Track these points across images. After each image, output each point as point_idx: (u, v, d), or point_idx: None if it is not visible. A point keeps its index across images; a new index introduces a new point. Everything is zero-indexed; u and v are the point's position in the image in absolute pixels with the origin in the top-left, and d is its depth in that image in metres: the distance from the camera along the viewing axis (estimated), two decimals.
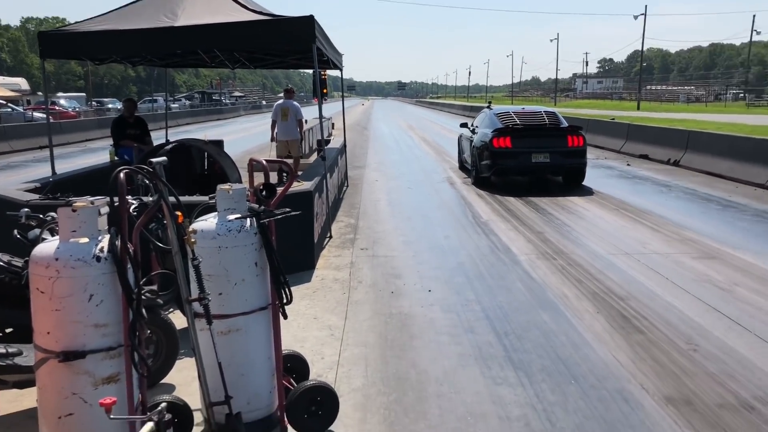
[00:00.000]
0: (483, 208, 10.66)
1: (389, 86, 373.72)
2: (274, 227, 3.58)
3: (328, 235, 8.39)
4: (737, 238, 8.18)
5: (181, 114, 45.59)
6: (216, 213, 3.58)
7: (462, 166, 15.84)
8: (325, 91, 30.37)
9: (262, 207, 3.52)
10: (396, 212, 10.32)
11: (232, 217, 3.49)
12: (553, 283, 6.33)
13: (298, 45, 8.16)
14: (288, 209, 3.55)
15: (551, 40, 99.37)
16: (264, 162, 3.71)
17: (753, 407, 3.84)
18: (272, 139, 13.60)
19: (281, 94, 19.02)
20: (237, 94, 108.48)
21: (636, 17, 64.23)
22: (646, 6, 62.15)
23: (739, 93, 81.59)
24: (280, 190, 3.83)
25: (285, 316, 3.58)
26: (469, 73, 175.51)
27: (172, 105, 63.74)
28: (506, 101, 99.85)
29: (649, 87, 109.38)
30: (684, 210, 10.21)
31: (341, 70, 12.69)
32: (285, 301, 3.53)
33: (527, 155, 12.24)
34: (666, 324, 5.20)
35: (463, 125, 15.39)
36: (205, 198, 4.23)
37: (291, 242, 6.41)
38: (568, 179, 13.00)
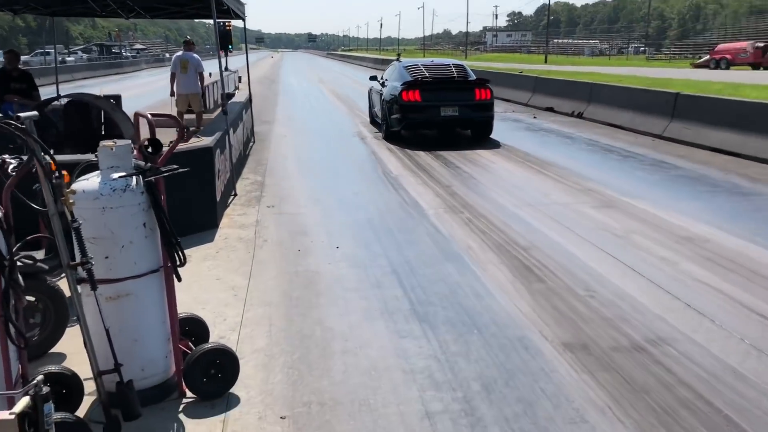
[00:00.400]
0: (393, 163, 10.63)
1: (300, 38, 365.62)
2: (165, 186, 3.38)
3: (233, 192, 8.14)
4: (635, 187, 8.52)
5: (76, 68, 42.96)
6: (99, 171, 3.34)
7: (373, 120, 15.73)
8: (230, 43, 29.34)
9: (149, 164, 3.31)
10: (304, 169, 10.14)
11: (116, 175, 3.27)
12: (459, 236, 6.39)
13: None
14: (175, 166, 3.36)
15: None
16: (149, 116, 3.48)
17: (644, 348, 4.02)
18: (172, 94, 13.00)
19: None
20: (138, 46, 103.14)
21: None
22: None
23: (640, 47, 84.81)
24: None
25: (179, 279, 3.42)
26: (381, 25, 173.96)
27: (67, 58, 59.86)
28: (418, 54, 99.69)
29: (556, 41, 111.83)
30: (586, 161, 10.55)
31: (244, 20, 12.20)
32: (178, 263, 3.37)
33: (436, 109, 12.26)
34: (566, 272, 5.36)
35: (373, 78, 15.23)
36: (90, 156, 3.95)
37: (192, 201, 6.17)
38: (476, 133, 13.16)
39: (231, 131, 8.71)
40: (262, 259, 5.75)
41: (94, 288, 3.01)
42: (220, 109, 9.59)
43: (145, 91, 27.09)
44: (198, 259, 5.64)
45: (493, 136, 13.03)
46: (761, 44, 38.26)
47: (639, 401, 3.44)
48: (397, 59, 14.46)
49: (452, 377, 3.69)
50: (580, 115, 16.56)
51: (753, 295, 4.81)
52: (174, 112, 13.28)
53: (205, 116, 13.65)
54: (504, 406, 3.41)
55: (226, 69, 29.40)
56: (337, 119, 17.16)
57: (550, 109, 18.44)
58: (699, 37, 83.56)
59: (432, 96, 12.34)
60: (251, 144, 12.45)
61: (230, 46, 29.43)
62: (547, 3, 71.60)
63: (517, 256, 5.78)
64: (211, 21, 9.50)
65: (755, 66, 37.07)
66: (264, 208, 7.56)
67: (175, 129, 3.86)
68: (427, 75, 12.82)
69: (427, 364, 3.84)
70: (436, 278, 5.24)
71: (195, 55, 13.00)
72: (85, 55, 71.21)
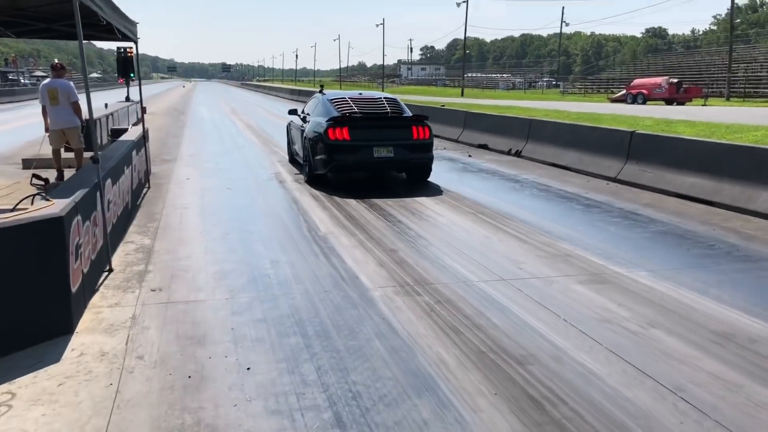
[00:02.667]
0: (320, 215, 8.73)
1: (214, 68, 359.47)
2: None
3: (107, 268, 6.00)
4: (618, 249, 6.98)
5: None
6: None
7: (292, 159, 13.81)
8: (131, 71, 26.77)
9: None
10: (209, 225, 8.07)
11: None
12: (423, 338, 4.56)
13: None
14: None
15: (377, 25, 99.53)
16: None
17: None
18: (46, 129, 10.69)
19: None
20: (39, 73, 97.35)
21: (458, 4, 65.61)
22: None
23: (552, 81, 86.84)
24: None
25: None
26: (296, 56, 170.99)
27: None
28: (334, 86, 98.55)
29: (468, 74, 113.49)
30: (545, 212, 9.01)
31: (135, 42, 10.08)
32: None
33: (368, 149, 10.48)
34: (596, 410, 3.61)
35: (293, 112, 13.34)
36: None
37: (24, 298, 4.10)
38: (413, 176, 11.48)
39: (109, 182, 6.60)
40: (129, 397, 3.69)
41: None
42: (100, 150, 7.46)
43: (29, 123, 24.02)
44: (28, 403, 3.54)
45: (429, 177, 11.41)
46: (675, 80, 39.02)
47: None
48: (320, 91, 12.64)
49: None
50: (518, 154, 15.24)
51: None
52: (46, 150, 10.97)
53: (87, 155, 11.35)
54: None
55: (126, 99, 26.76)
56: (251, 157, 15.09)
57: (484, 147, 17.10)
58: (603, 72, 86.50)
59: (363, 134, 10.57)
60: (144, 191, 10.24)
61: (132, 74, 26.89)
62: (464, 36, 71.95)
63: (515, 377, 3.99)
64: (113, 45, 7.39)
65: (669, 101, 37.68)
66: (147, 292, 5.48)
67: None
68: (357, 110, 11.05)
69: None
70: None
71: (66, 81, 10.72)
72: None
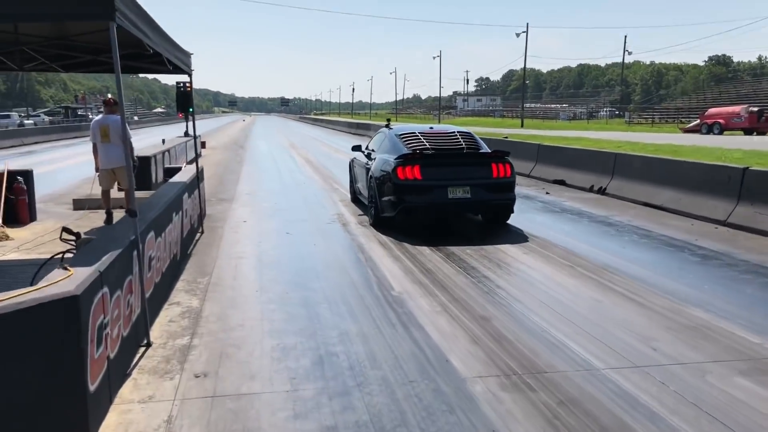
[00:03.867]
0: (391, 267, 7.59)
1: (272, 102, 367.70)
2: None
3: (144, 342, 4.98)
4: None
5: (27, 132, 39.56)
6: None
7: (355, 198, 12.79)
8: (190, 106, 26.51)
9: None
10: (266, 280, 7.02)
11: None
12: None
13: (83, 13, 4.73)
14: None
15: (434, 57, 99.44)
16: None
17: None
18: (97, 169, 9.99)
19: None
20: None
21: (518, 35, 64.64)
22: (527, 24, 62.60)
23: (614, 110, 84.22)
24: None
25: None
26: (353, 89, 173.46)
27: (26, 121, 56.93)
28: (390, 118, 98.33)
29: (526, 105, 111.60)
30: (655, 265, 7.63)
31: (189, 74, 9.27)
32: None
33: (442, 189, 9.33)
34: None
35: (356, 148, 12.34)
36: None
37: (32, 402, 3.08)
38: (490, 218, 10.28)
39: (151, 235, 5.63)
40: None
41: None
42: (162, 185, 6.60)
43: (89, 160, 23.87)
44: None
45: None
46: (755, 109, 36.70)
47: None
48: (387, 126, 11.62)
49: None
50: (602, 191, 13.83)
51: None
52: (97, 190, 10.25)
53: (140, 194, 10.58)
54: None
55: (185, 134, 26.49)
56: (311, 195, 14.15)
57: (561, 182, 15.73)
58: (663, 102, 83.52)
59: (436, 173, 9.44)
60: (197, 236, 9.33)
61: (190, 109, 26.67)
62: (519, 69, 70.74)
63: None
64: (172, 79, 6.59)
65: (748, 131, 35.41)
66: (189, 378, 4.41)
67: None
68: (428, 146, 9.95)
69: None
70: None
71: (118, 117, 9.99)
72: (47, 118, 68.14)
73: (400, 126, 11.55)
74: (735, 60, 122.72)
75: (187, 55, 8.94)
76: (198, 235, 9.42)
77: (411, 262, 7.86)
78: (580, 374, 4.47)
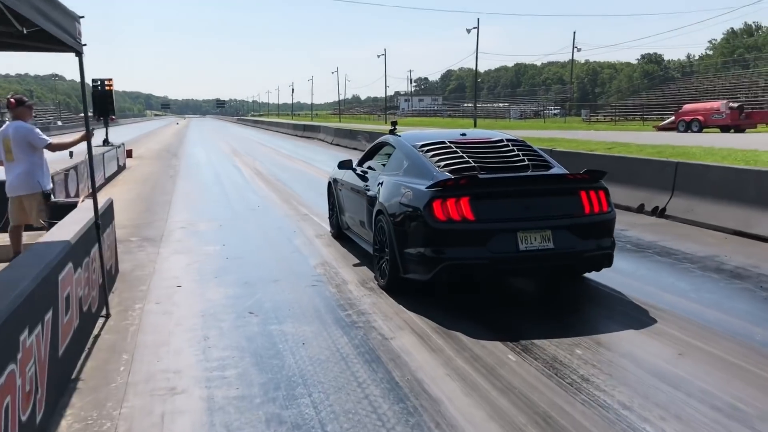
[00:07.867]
0: (451, 393, 3.89)
1: (208, 104, 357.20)
2: None
3: None
4: None
5: None
6: None
7: (339, 233, 9.02)
8: (110, 108, 22.17)
9: None
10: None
11: None
12: None
13: None
14: None
15: (378, 56, 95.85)
16: None
17: None
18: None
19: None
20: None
21: (469, 31, 61.92)
22: (478, 19, 60.07)
23: (559, 109, 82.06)
24: None
25: None
26: (293, 90, 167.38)
27: None
28: (333, 119, 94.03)
29: (466, 104, 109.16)
30: None
31: (79, 52, 5.34)
32: None
33: (509, 236, 5.68)
34: None
35: (344, 165, 8.55)
36: None
37: None
38: (568, 274, 6.68)
39: None
40: None
41: None
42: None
43: None
44: None
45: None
46: (735, 104, 34.57)
47: None
48: (392, 131, 7.88)
49: None
50: (660, 213, 10.48)
51: None
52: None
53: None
54: None
55: (105, 142, 22.05)
56: (274, 229, 10.25)
57: None
58: (599, 99, 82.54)
59: (495, 209, 5.81)
60: (95, 333, 5.40)
61: (112, 113, 22.20)
62: (475, 65, 68.11)
63: None
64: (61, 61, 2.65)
65: (726, 128, 33.25)
66: None
67: None
68: (473, 164, 6.30)
69: None
70: None
71: (25, 124, 6.29)
72: None
73: (413, 133, 7.80)
74: (666, 58, 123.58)
75: (72, 18, 5.05)
76: (97, 329, 5.48)
77: (478, 374, 4.23)
78: None
